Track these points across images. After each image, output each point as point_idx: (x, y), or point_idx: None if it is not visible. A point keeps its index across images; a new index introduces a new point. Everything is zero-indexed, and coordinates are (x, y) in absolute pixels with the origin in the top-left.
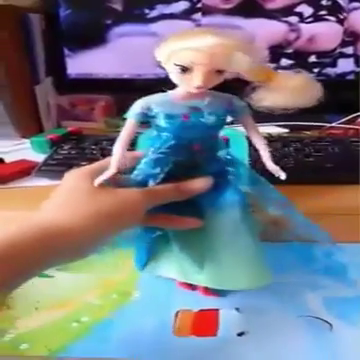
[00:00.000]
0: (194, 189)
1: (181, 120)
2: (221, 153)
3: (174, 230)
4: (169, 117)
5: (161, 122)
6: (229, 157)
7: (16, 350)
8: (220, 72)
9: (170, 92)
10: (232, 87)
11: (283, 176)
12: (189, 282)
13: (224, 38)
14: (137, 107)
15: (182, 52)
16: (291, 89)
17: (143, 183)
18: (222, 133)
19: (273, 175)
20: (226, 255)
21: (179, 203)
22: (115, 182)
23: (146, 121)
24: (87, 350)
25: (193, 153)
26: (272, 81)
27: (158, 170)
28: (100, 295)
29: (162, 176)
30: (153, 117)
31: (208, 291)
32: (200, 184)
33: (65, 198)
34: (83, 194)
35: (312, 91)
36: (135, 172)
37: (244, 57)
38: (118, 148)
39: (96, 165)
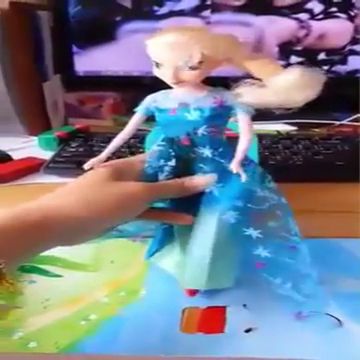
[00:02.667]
0: (196, 186)
1: (168, 114)
2: (225, 151)
3: (179, 225)
4: (160, 111)
5: (156, 115)
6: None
7: (25, 348)
8: (193, 68)
9: (175, 88)
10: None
11: (243, 178)
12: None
13: (184, 33)
14: (145, 101)
15: (152, 48)
16: (279, 87)
17: (153, 177)
18: (227, 130)
19: (281, 173)
20: (194, 254)
21: (186, 199)
22: (129, 176)
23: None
24: (95, 347)
25: (183, 147)
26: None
27: (162, 162)
28: (108, 293)
29: (169, 169)
30: (153, 111)
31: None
32: (203, 181)
33: (71, 187)
34: (87, 184)
35: (306, 88)
36: (145, 165)
37: (205, 49)
38: (117, 138)
39: (114, 162)
